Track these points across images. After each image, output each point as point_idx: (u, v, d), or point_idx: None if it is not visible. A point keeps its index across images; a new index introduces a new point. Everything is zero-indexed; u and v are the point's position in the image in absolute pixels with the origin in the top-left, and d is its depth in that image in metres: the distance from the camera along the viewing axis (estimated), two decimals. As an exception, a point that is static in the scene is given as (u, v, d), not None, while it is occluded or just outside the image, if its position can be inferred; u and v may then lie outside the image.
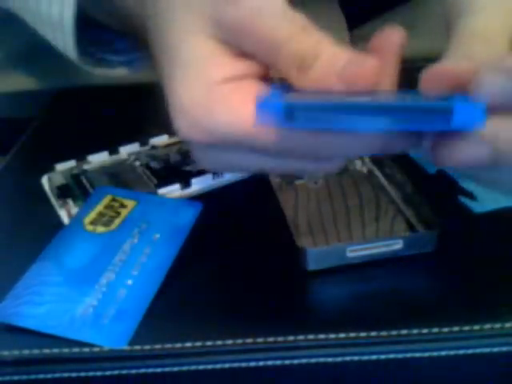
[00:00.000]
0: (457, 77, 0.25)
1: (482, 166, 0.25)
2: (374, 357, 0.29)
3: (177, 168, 0.42)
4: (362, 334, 0.29)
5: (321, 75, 0.27)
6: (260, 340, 0.29)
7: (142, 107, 0.52)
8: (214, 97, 0.28)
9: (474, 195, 0.37)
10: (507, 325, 0.29)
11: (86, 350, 0.30)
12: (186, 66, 0.29)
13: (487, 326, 0.29)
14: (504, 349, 0.29)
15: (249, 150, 0.28)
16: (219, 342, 0.29)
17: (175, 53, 0.29)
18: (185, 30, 0.29)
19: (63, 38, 0.40)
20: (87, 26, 0.40)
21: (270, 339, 0.29)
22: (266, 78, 0.29)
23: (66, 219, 0.38)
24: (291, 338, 0.29)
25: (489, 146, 0.24)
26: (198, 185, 0.40)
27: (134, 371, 0.29)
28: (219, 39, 0.28)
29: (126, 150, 0.44)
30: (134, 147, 0.45)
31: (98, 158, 0.44)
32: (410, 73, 0.27)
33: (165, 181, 0.40)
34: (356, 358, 0.29)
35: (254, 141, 0.27)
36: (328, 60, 0.27)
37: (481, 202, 0.37)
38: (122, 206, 0.38)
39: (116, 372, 0.29)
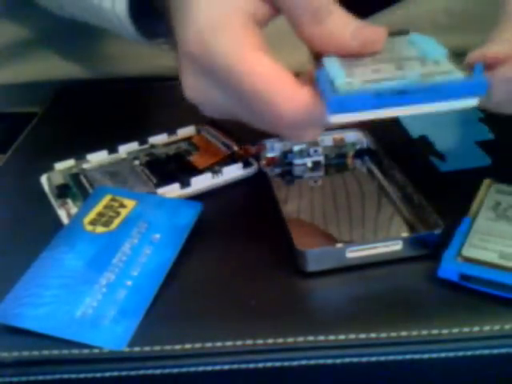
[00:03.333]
0: (495, 59, 0.29)
1: None
2: (373, 358, 0.29)
3: (176, 167, 0.42)
4: (362, 336, 0.29)
5: (335, 30, 0.29)
6: (260, 341, 0.29)
7: (142, 106, 0.52)
8: (223, 21, 0.29)
9: (444, 156, 0.42)
10: (506, 326, 0.29)
11: (86, 351, 0.30)
12: (190, 7, 0.30)
13: (486, 327, 0.29)
14: (503, 350, 0.29)
15: (237, 89, 0.29)
16: (219, 344, 0.29)
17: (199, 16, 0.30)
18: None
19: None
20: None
21: (270, 341, 0.29)
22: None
23: (65, 219, 0.38)
24: (291, 339, 0.29)
25: None
26: (197, 184, 0.40)
27: (133, 373, 0.29)
28: None
29: (125, 149, 0.44)
30: (133, 146, 0.45)
31: (97, 157, 0.44)
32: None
33: (164, 180, 0.40)
34: (356, 359, 0.29)
35: (244, 78, 0.29)
36: (341, 18, 0.29)
37: (448, 163, 0.41)
38: (122, 205, 0.38)
39: (115, 373, 0.29)
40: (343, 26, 0.29)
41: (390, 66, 0.28)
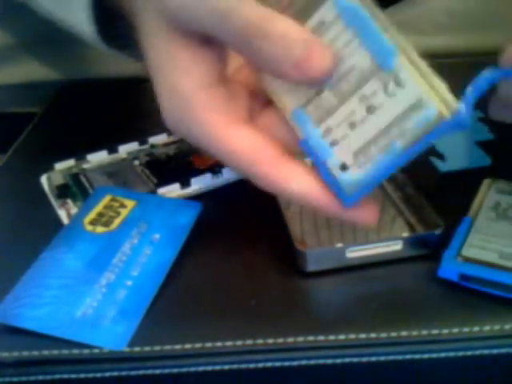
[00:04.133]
0: None
1: None
2: (373, 358, 0.29)
3: (176, 167, 0.42)
4: (362, 336, 0.29)
5: (274, 60, 0.26)
6: (260, 341, 0.29)
7: (142, 106, 0.52)
8: (185, 110, 0.29)
9: (444, 156, 0.42)
10: (506, 326, 0.29)
11: (86, 351, 0.30)
12: (158, 77, 0.30)
13: (486, 327, 0.29)
14: (503, 350, 0.29)
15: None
16: (219, 344, 0.29)
17: (150, 59, 0.30)
18: (150, 32, 0.30)
19: (76, 13, 0.39)
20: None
21: (270, 341, 0.29)
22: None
23: (65, 219, 0.38)
24: (291, 339, 0.29)
25: None
26: (197, 184, 0.40)
27: (133, 373, 0.29)
28: (177, 31, 0.29)
29: (125, 149, 0.44)
30: (133, 146, 0.45)
31: (97, 157, 0.43)
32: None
33: (164, 180, 0.40)
34: (356, 359, 0.29)
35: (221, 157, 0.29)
36: (279, 40, 0.26)
37: (448, 163, 0.41)
38: (122, 205, 0.38)
39: (116, 373, 0.29)
40: (284, 53, 0.26)
41: (360, 110, 0.27)
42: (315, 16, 0.27)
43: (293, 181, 0.28)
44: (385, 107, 0.26)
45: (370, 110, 0.26)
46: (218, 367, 0.29)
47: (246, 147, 0.29)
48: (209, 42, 0.29)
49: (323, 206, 0.28)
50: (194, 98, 0.29)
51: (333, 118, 0.27)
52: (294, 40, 0.26)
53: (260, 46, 0.26)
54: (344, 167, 0.27)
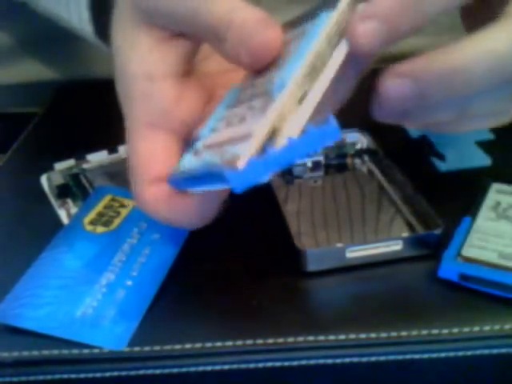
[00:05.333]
0: None
1: (410, 100, 0.26)
2: (373, 358, 0.29)
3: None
4: (362, 336, 0.29)
5: (232, 48, 0.26)
6: (260, 341, 0.29)
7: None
8: (125, 93, 0.30)
9: (444, 156, 0.42)
10: (507, 326, 0.29)
11: (86, 351, 0.30)
12: (118, 54, 0.30)
13: (486, 327, 0.29)
14: (503, 350, 0.29)
15: None
16: (219, 344, 0.29)
17: (114, 40, 0.31)
18: (120, 18, 0.30)
19: (78, 10, 0.39)
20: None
21: (270, 341, 0.29)
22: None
23: (65, 219, 0.38)
24: (291, 339, 0.29)
25: (408, 78, 0.26)
26: (197, 184, 0.40)
27: (133, 372, 0.29)
28: (146, 23, 0.29)
29: (125, 149, 0.44)
30: (133, 146, 0.45)
31: (97, 157, 0.43)
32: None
33: (164, 180, 0.40)
34: (356, 359, 0.29)
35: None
36: (238, 28, 0.26)
37: (448, 163, 0.41)
38: (122, 205, 0.38)
39: (115, 373, 0.29)
40: (239, 39, 0.26)
41: (239, 116, 0.26)
42: (300, 26, 0.27)
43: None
44: (247, 122, 0.25)
45: (241, 120, 0.26)
46: (217, 367, 0.29)
47: (144, 151, 0.30)
48: (178, 37, 0.29)
49: None
50: (134, 86, 0.29)
51: (230, 111, 0.28)
52: (250, 25, 0.26)
53: (224, 36, 0.26)
54: (196, 152, 0.28)
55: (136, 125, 0.30)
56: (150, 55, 0.29)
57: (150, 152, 0.30)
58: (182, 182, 0.28)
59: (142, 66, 0.29)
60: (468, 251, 0.31)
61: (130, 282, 0.33)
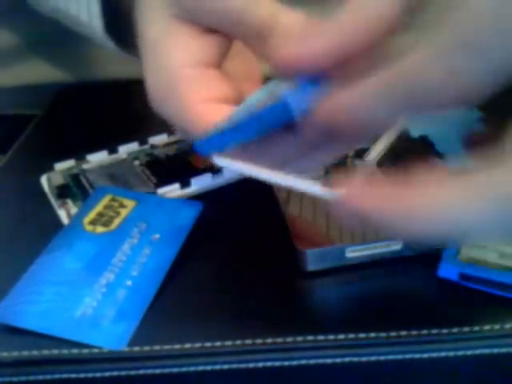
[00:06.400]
0: None
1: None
2: (373, 358, 0.29)
3: (176, 167, 0.42)
4: (362, 335, 0.29)
5: (271, 51, 0.26)
6: (259, 341, 0.29)
7: (142, 106, 0.52)
8: (170, 85, 0.29)
9: (443, 155, 0.42)
10: (507, 326, 0.29)
11: (86, 351, 0.30)
12: (150, 51, 0.30)
13: (487, 327, 0.29)
14: (504, 350, 0.29)
15: None
16: (218, 343, 0.29)
17: (144, 35, 0.31)
18: (152, 14, 0.30)
19: (87, 3, 0.39)
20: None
21: (269, 340, 0.29)
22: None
23: (65, 219, 0.38)
24: (290, 339, 0.29)
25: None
26: (197, 184, 0.40)
27: (133, 372, 0.29)
28: (181, 18, 0.29)
29: (125, 150, 0.44)
30: (133, 146, 0.45)
31: (97, 158, 0.44)
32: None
33: (164, 180, 0.40)
34: (355, 359, 0.29)
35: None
36: (284, 30, 0.27)
37: (448, 163, 0.41)
38: (122, 205, 0.38)
39: (115, 373, 0.29)
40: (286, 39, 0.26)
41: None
42: None
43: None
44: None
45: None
46: (217, 367, 0.29)
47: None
48: (213, 32, 0.29)
49: None
50: (180, 73, 0.29)
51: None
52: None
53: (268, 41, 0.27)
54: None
55: (192, 104, 0.29)
56: (194, 44, 0.30)
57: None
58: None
59: (187, 54, 0.29)
60: (468, 251, 0.31)
61: (129, 282, 0.33)
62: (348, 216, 0.23)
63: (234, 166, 0.27)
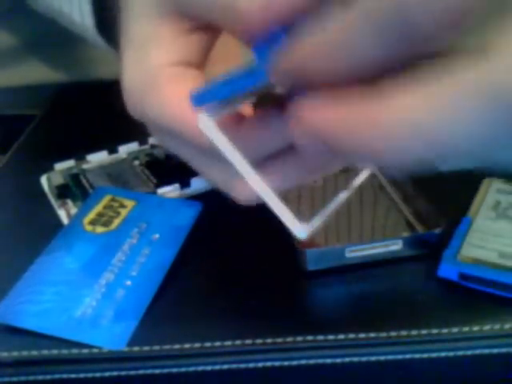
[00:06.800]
0: None
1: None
2: (373, 358, 0.29)
3: (176, 167, 0.42)
4: (361, 335, 0.29)
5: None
6: (259, 341, 0.29)
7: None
8: (149, 82, 0.28)
9: None
10: (506, 326, 0.29)
11: (85, 351, 0.29)
12: (131, 47, 0.29)
13: (486, 327, 0.29)
14: (503, 350, 0.29)
15: (182, 142, 0.28)
16: (218, 343, 0.29)
17: (127, 33, 0.30)
18: (137, 10, 0.29)
19: (79, 2, 0.39)
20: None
21: (269, 340, 0.29)
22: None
23: (65, 219, 0.38)
24: (290, 339, 0.29)
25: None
26: (197, 185, 0.40)
27: (132, 372, 0.29)
28: (166, 13, 0.28)
29: (125, 150, 0.44)
30: (133, 146, 0.45)
31: (97, 158, 0.44)
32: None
33: (164, 180, 0.40)
34: (355, 359, 0.29)
35: (181, 134, 0.27)
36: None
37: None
38: (122, 206, 0.38)
39: (115, 373, 0.29)
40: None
41: None
42: None
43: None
44: None
45: None
46: (217, 367, 0.29)
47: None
48: (196, 30, 0.29)
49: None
50: (160, 72, 0.28)
51: None
52: None
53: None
54: None
55: (172, 105, 0.28)
56: (175, 45, 0.29)
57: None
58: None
59: (168, 53, 0.29)
60: (468, 251, 0.31)
61: (129, 282, 0.33)
62: (309, 140, 0.20)
63: (213, 136, 0.25)
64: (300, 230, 0.23)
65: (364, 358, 0.29)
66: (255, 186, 0.24)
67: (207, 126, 0.25)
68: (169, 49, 0.29)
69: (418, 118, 0.17)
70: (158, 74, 0.28)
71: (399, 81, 0.18)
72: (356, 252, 0.33)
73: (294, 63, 0.20)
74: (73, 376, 0.29)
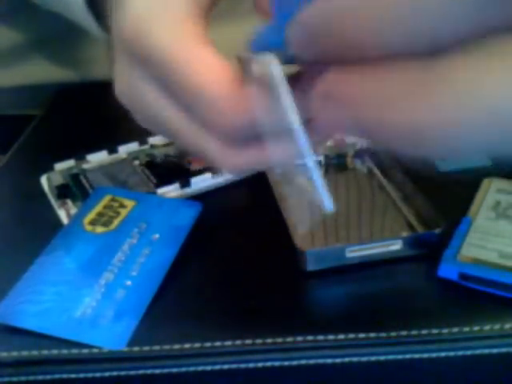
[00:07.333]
0: None
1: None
2: (373, 358, 0.29)
3: (176, 167, 0.42)
4: (361, 335, 0.29)
5: None
6: (259, 341, 0.29)
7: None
8: (162, 14, 0.25)
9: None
10: (506, 326, 0.29)
11: (85, 351, 0.29)
12: (125, 4, 0.26)
13: (486, 327, 0.29)
14: (503, 350, 0.29)
15: (166, 86, 0.25)
16: (218, 343, 0.29)
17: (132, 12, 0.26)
18: None
19: None
20: None
21: (269, 340, 0.29)
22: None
23: (65, 219, 0.38)
24: (290, 339, 0.29)
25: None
26: (197, 184, 0.40)
27: (132, 372, 0.29)
28: None
29: (125, 150, 0.44)
30: (133, 146, 0.45)
31: (97, 158, 0.44)
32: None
33: (164, 180, 0.40)
34: (355, 359, 0.29)
35: (186, 76, 0.24)
36: None
37: (448, 163, 0.41)
38: (122, 206, 0.38)
39: (115, 373, 0.29)
40: None
41: None
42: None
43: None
44: None
45: None
46: (217, 367, 0.29)
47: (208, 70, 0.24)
48: None
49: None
50: (167, 7, 0.25)
51: None
52: None
53: None
54: None
55: (178, 50, 0.24)
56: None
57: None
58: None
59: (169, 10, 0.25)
60: (468, 251, 0.31)
61: (129, 282, 0.33)
62: (335, 112, 0.18)
63: (279, 82, 0.22)
64: (330, 200, 0.21)
65: (364, 358, 0.29)
66: (303, 146, 0.21)
67: (276, 71, 0.22)
68: (169, 5, 0.25)
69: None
70: (174, 4, 0.25)
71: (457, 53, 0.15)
72: (356, 252, 0.33)
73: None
74: (73, 376, 0.29)
